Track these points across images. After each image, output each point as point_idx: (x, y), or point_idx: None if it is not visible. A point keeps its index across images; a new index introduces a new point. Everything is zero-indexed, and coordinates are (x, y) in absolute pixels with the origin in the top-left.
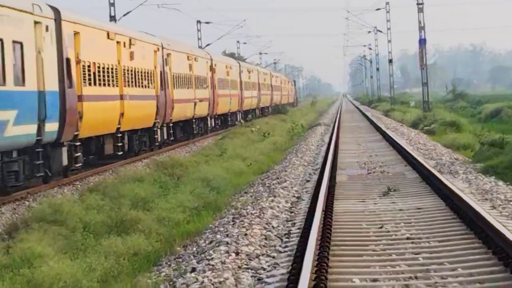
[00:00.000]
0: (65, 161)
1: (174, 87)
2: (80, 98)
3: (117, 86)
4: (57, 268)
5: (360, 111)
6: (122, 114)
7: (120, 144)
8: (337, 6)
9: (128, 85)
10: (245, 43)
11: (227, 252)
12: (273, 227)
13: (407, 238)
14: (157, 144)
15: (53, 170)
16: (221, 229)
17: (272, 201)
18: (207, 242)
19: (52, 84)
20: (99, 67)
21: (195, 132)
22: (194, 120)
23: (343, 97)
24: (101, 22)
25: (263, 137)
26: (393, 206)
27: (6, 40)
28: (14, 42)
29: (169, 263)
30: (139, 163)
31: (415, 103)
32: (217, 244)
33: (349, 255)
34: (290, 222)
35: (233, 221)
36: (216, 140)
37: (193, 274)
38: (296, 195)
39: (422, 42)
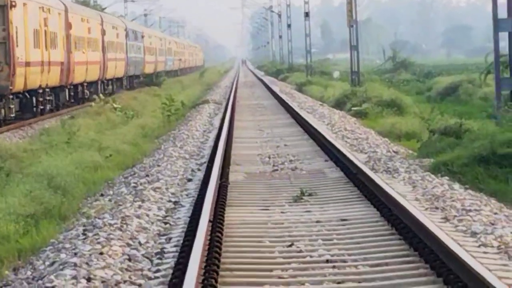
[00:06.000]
0: None
1: None
2: None
3: None
4: None
5: (265, 84)
6: None
7: None
8: None
9: None
10: None
11: (74, 277)
12: (140, 243)
13: (327, 261)
14: None
15: None
16: (67, 245)
17: (140, 207)
18: (47, 263)
19: None
20: None
21: None
22: None
23: (241, 64)
24: None
25: (127, 118)
26: (308, 216)
27: None
28: None
29: None
30: None
31: (341, 74)
32: (61, 267)
33: (246, 284)
34: (164, 237)
35: (84, 234)
36: (62, 121)
37: None
38: (173, 199)
39: None
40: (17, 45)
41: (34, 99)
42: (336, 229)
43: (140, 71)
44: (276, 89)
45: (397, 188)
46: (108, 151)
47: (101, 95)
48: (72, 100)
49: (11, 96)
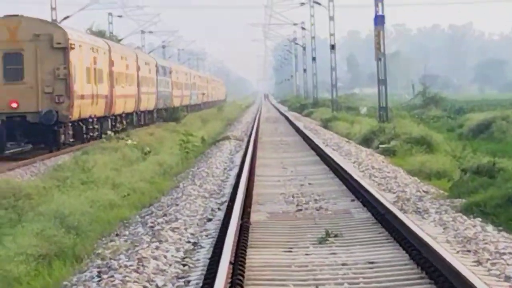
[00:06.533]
0: None
1: None
2: None
3: None
4: None
5: (288, 119)
6: None
7: None
8: None
9: None
10: (120, 16)
11: None
12: (157, 286)
13: None
14: None
15: None
16: None
17: (157, 248)
18: None
19: None
20: None
21: None
22: None
23: (264, 98)
24: None
25: (144, 155)
26: (334, 258)
27: None
28: None
29: None
30: None
31: (368, 109)
32: None
33: None
34: (183, 280)
35: (98, 276)
36: (76, 157)
37: None
38: (192, 240)
39: (379, 20)
40: (74, 81)
41: (84, 127)
42: (363, 273)
43: (168, 105)
44: (300, 125)
45: (427, 230)
46: (124, 189)
47: (109, 132)
48: (114, 129)
49: (70, 124)
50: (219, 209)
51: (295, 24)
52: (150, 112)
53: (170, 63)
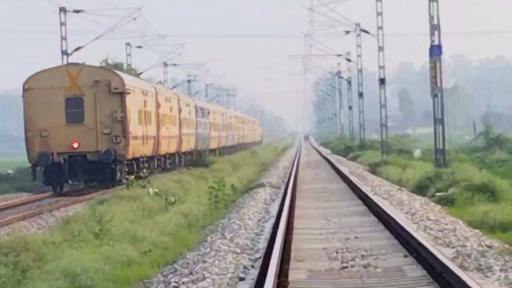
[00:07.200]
0: None
1: None
2: None
3: None
4: None
5: (331, 164)
6: None
7: None
8: None
9: None
10: (140, 46)
11: None
12: None
13: None
14: None
15: None
16: None
17: None
18: None
19: None
20: None
21: None
22: None
23: (304, 140)
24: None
25: (167, 204)
26: None
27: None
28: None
29: None
30: None
31: (422, 152)
32: None
33: None
34: None
35: None
36: (91, 206)
37: None
38: None
39: (435, 51)
40: (130, 123)
41: (135, 165)
42: None
43: (206, 146)
44: (344, 170)
45: None
46: (144, 244)
47: (132, 177)
48: (159, 169)
49: (126, 162)
50: (252, 266)
51: (339, 55)
52: (190, 153)
53: (207, 104)
